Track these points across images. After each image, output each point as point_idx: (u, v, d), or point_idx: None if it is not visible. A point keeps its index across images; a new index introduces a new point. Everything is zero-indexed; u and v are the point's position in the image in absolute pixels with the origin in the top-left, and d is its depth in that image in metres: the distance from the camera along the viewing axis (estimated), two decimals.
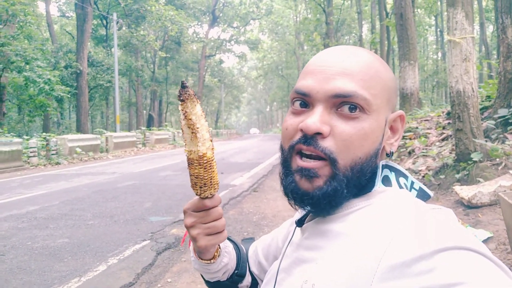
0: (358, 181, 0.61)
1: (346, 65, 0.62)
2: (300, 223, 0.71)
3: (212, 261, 0.83)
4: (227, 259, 0.89)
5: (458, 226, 0.52)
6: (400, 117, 0.68)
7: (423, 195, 0.67)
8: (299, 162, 0.61)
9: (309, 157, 0.61)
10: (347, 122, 0.60)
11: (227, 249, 0.89)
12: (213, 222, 0.74)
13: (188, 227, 0.74)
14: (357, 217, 0.60)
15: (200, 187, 0.69)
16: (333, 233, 0.60)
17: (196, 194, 0.70)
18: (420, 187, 0.68)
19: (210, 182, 0.69)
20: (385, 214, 0.57)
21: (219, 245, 0.84)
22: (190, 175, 0.68)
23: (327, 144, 0.59)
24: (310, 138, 0.59)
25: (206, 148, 0.66)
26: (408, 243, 0.49)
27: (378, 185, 0.64)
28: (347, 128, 0.59)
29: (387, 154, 0.67)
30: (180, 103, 0.63)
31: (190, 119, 0.64)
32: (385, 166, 0.67)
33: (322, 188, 0.59)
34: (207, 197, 0.71)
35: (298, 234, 0.71)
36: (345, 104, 0.60)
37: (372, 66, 0.63)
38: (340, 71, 0.61)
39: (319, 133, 0.59)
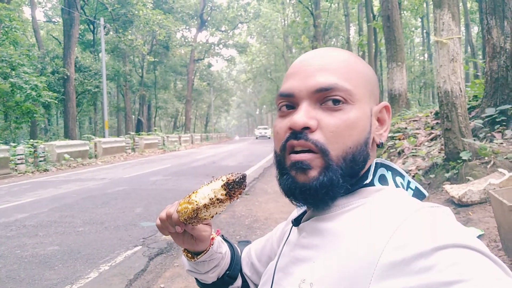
0: (352, 170, 0.62)
1: (325, 62, 0.64)
2: (296, 222, 0.71)
3: (197, 258, 0.85)
4: (218, 261, 0.90)
5: (456, 224, 0.52)
6: (385, 108, 0.70)
7: (419, 195, 0.68)
8: (292, 157, 0.62)
9: (301, 152, 0.62)
10: (332, 114, 0.61)
11: (218, 255, 0.90)
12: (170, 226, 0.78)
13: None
14: (355, 215, 0.60)
15: (185, 219, 0.72)
16: (330, 231, 0.60)
17: (177, 212, 0.73)
18: (416, 187, 0.69)
19: (192, 223, 0.73)
20: (383, 212, 0.57)
21: (208, 248, 0.87)
22: (185, 207, 0.70)
23: (316, 136, 0.60)
24: (299, 133, 0.61)
25: (210, 216, 0.70)
26: (407, 241, 0.49)
27: (374, 182, 0.64)
28: (333, 120, 0.61)
29: (377, 145, 0.68)
30: (224, 187, 0.64)
31: (218, 205, 0.66)
32: (382, 165, 0.67)
33: (318, 178, 0.60)
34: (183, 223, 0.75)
35: (295, 233, 0.71)
36: (328, 98, 0.62)
37: (349, 60, 0.66)
38: (319, 68, 0.63)
39: (307, 128, 0.61)
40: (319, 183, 0.59)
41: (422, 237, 0.49)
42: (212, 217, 0.69)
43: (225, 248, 0.93)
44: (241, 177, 0.63)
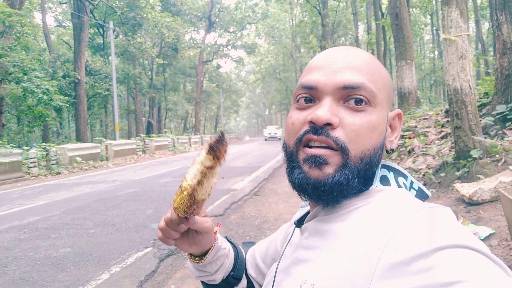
0: (366, 173, 0.62)
1: (352, 60, 0.64)
2: (299, 223, 0.72)
3: (204, 259, 0.86)
4: (223, 258, 0.91)
5: (456, 224, 0.52)
6: (398, 115, 0.70)
7: (421, 195, 0.68)
8: (307, 151, 0.61)
9: (318, 148, 0.61)
10: (355, 114, 0.61)
11: (223, 251, 0.91)
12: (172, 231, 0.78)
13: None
14: (356, 216, 0.60)
15: (184, 211, 0.71)
16: (332, 232, 0.61)
17: (174, 210, 0.73)
18: (419, 187, 0.69)
19: (192, 212, 0.72)
20: (384, 213, 0.57)
21: (214, 243, 0.87)
22: (180, 198, 0.70)
23: (338, 134, 0.60)
24: (320, 128, 0.60)
25: (207, 194, 0.69)
26: (407, 242, 0.49)
27: (376, 184, 0.64)
28: (356, 120, 0.61)
29: (387, 151, 0.68)
30: (209, 152, 0.64)
31: (211, 175, 0.66)
32: (383, 166, 0.67)
33: (334, 176, 0.59)
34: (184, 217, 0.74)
35: (297, 234, 0.72)
36: (351, 97, 0.61)
37: (374, 63, 0.66)
38: (347, 65, 0.63)
39: (329, 124, 0.60)
40: (335, 181, 0.59)
41: (421, 238, 0.49)
42: (209, 195, 0.69)
43: (227, 245, 0.94)
44: (220, 135, 0.63)
